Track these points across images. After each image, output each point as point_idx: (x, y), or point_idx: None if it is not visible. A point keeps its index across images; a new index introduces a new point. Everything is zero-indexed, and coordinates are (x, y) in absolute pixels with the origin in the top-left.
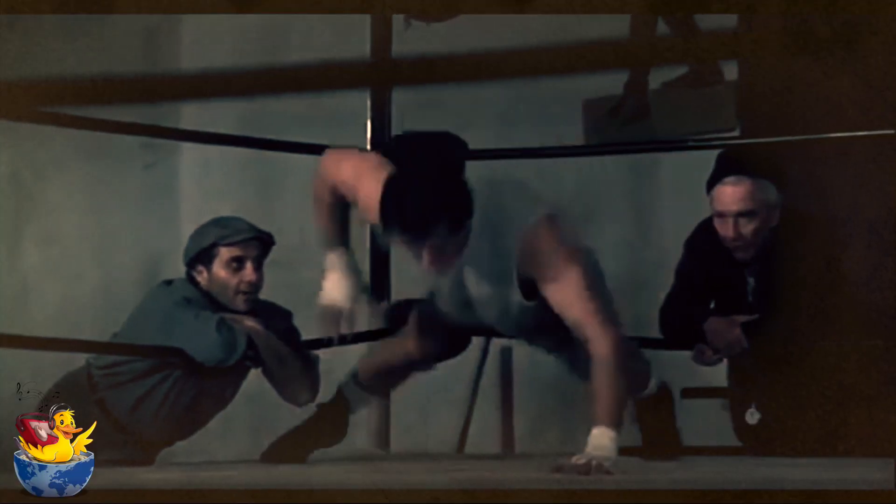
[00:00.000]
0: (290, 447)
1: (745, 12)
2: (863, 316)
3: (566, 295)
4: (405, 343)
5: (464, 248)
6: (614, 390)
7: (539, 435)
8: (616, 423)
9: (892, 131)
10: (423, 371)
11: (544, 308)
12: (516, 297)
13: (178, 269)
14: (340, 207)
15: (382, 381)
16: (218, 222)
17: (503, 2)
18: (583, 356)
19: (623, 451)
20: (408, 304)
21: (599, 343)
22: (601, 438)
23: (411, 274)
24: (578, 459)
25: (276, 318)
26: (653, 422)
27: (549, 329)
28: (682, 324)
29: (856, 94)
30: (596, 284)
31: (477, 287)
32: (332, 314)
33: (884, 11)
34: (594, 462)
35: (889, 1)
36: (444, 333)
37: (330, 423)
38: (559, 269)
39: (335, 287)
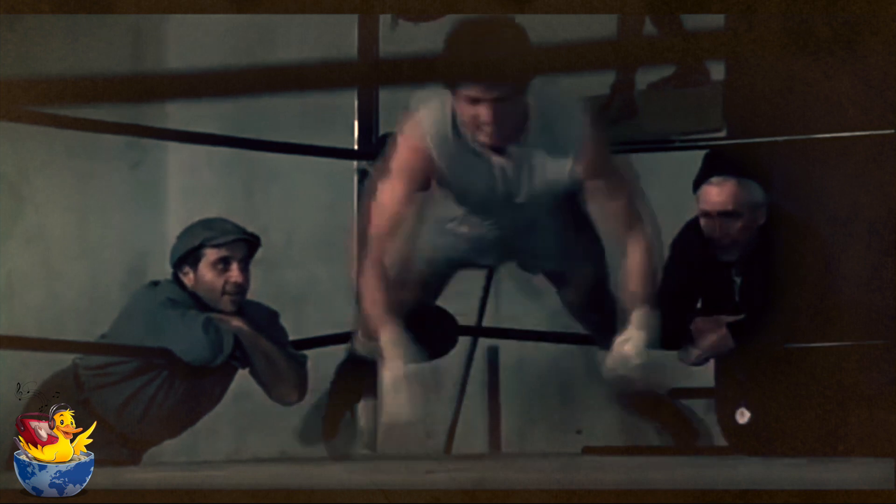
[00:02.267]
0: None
1: (745, 12)
2: (863, 316)
3: (616, 188)
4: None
5: (521, 131)
6: (654, 277)
7: (526, 434)
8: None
9: (892, 131)
10: None
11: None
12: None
13: (164, 269)
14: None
15: None
16: (204, 223)
17: (503, 2)
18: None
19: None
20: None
21: (644, 234)
22: (647, 324)
23: None
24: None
25: (264, 317)
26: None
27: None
28: (668, 323)
29: (856, 94)
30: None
31: (528, 183)
32: (399, 433)
33: (884, 11)
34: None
35: (889, 1)
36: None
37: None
38: (611, 166)
39: (399, 408)
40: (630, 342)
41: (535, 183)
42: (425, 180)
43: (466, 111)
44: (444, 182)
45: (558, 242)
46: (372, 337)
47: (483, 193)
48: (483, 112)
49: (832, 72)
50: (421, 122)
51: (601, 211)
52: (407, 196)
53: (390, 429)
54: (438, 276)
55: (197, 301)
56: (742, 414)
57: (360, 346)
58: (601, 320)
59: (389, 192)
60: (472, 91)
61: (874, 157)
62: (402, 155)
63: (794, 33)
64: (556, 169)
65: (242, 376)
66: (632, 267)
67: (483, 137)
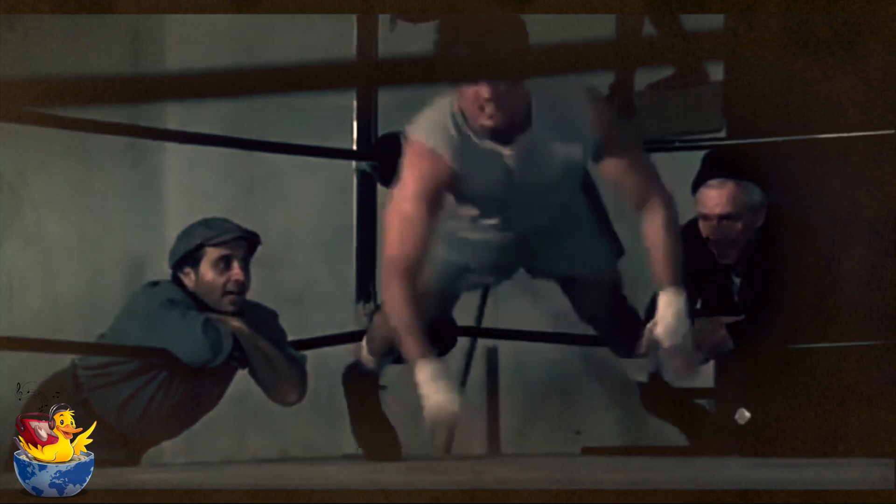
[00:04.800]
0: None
1: (745, 12)
2: (863, 316)
3: (632, 162)
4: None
5: (526, 118)
6: (676, 250)
7: (525, 435)
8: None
9: (892, 131)
10: None
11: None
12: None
13: (163, 269)
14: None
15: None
16: (203, 223)
17: (503, 2)
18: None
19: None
20: None
21: (662, 205)
22: (676, 302)
23: None
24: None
25: (263, 318)
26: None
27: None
28: None
29: (856, 94)
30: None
31: (543, 170)
32: (445, 423)
33: (884, 11)
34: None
35: (889, 1)
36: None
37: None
38: (625, 140)
39: (441, 397)
40: (659, 324)
41: (550, 169)
42: (443, 186)
43: (467, 95)
44: (459, 183)
45: (575, 243)
46: (379, 354)
47: (498, 189)
48: (483, 90)
49: (832, 72)
50: (422, 126)
51: (620, 185)
52: (430, 210)
53: (439, 423)
54: (450, 295)
55: (197, 302)
56: (741, 415)
57: (366, 361)
58: (618, 329)
59: (412, 207)
60: None
61: (874, 157)
62: (413, 164)
63: (794, 33)
64: (569, 150)
65: (242, 377)
66: (653, 246)
67: (486, 121)
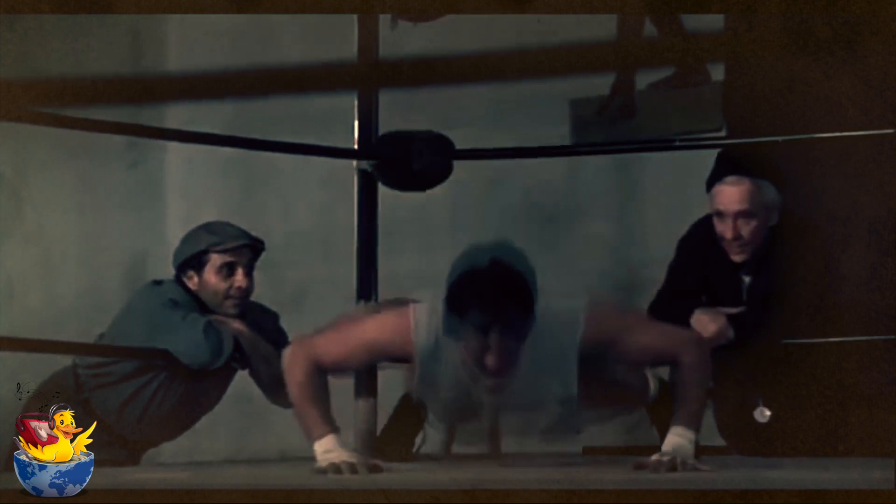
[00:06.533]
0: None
1: (745, 12)
2: (863, 316)
3: (647, 339)
4: None
5: (520, 353)
6: (698, 395)
7: (525, 435)
8: (696, 426)
9: (893, 131)
10: None
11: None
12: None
13: (164, 269)
14: (324, 390)
15: None
16: (209, 228)
17: (503, 2)
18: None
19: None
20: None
21: (686, 353)
22: (680, 438)
23: (398, 274)
24: (662, 457)
25: (264, 319)
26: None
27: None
28: (670, 321)
29: (856, 94)
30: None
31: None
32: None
33: (884, 11)
34: (679, 459)
35: (889, 1)
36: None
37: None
38: (630, 325)
39: (334, 455)
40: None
41: (528, 395)
42: (393, 358)
43: (470, 350)
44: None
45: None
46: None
47: (460, 411)
48: (490, 360)
49: (832, 72)
50: (416, 312)
51: (643, 360)
52: (369, 358)
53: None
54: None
55: (199, 303)
56: (761, 412)
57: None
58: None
59: (348, 347)
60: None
61: (874, 157)
62: (382, 325)
63: (794, 33)
64: (559, 374)
65: (242, 378)
66: (675, 388)
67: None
